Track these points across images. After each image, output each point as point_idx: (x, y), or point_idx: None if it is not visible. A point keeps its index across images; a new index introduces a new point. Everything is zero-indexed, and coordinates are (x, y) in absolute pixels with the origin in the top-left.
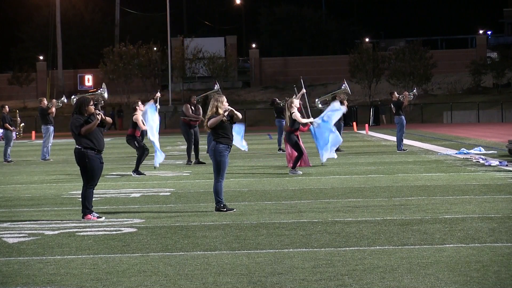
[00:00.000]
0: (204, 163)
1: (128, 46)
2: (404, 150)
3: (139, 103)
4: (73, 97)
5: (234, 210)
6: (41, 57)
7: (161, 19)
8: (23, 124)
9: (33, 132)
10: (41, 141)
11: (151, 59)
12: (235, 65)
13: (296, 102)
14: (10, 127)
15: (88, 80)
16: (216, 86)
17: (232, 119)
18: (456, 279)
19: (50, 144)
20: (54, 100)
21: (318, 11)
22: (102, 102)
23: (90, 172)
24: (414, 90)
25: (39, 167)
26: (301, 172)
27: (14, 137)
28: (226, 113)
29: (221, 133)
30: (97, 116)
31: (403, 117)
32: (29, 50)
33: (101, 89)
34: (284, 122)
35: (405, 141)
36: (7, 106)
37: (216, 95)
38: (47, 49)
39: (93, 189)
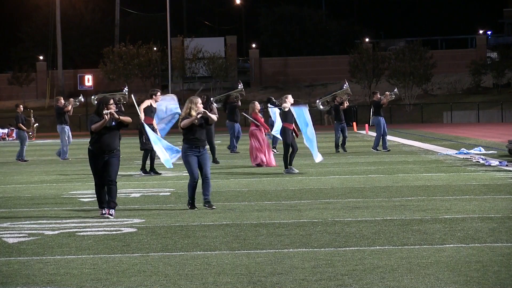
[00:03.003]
0: (219, 162)
1: (128, 46)
2: (378, 150)
3: (158, 93)
4: (93, 97)
5: (196, 209)
6: (41, 57)
7: (161, 19)
8: (37, 124)
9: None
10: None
11: (151, 59)
12: (235, 65)
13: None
14: (23, 127)
15: (88, 80)
16: (240, 86)
17: (207, 121)
18: (456, 279)
19: (68, 144)
20: (71, 99)
21: (318, 11)
22: (124, 102)
23: (92, 170)
24: (395, 90)
25: (39, 167)
26: (297, 171)
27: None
28: (198, 116)
29: (189, 134)
30: (105, 116)
31: (380, 117)
32: (29, 50)
33: (125, 89)
34: None
35: (406, 141)
36: (21, 106)
37: (191, 97)
38: (47, 49)
39: (101, 187)
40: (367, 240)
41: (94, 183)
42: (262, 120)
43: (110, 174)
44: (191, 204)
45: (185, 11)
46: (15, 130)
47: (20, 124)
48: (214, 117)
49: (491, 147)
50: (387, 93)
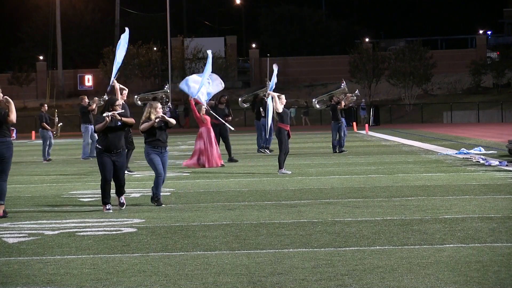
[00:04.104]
0: (237, 160)
1: (128, 46)
2: (336, 152)
3: (124, 91)
4: (136, 96)
5: (163, 205)
6: (41, 57)
7: (161, 19)
8: (61, 124)
9: (33, 132)
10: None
11: (151, 59)
12: (235, 65)
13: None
14: (47, 126)
15: (88, 80)
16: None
17: (167, 125)
18: (456, 279)
19: (92, 142)
20: (95, 98)
21: (318, 11)
22: (167, 100)
23: (100, 167)
24: (357, 92)
25: (39, 167)
26: (290, 172)
27: (51, 136)
28: (157, 120)
29: (150, 137)
30: (106, 118)
31: (342, 119)
32: (29, 50)
33: (166, 87)
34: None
35: (406, 141)
36: (46, 105)
37: (151, 102)
38: (47, 49)
39: (107, 183)
40: (367, 240)
41: (100, 180)
42: (207, 120)
43: (119, 178)
44: (157, 201)
45: (185, 11)
46: (40, 129)
47: (44, 123)
48: (173, 121)
49: (491, 147)
50: (348, 95)
